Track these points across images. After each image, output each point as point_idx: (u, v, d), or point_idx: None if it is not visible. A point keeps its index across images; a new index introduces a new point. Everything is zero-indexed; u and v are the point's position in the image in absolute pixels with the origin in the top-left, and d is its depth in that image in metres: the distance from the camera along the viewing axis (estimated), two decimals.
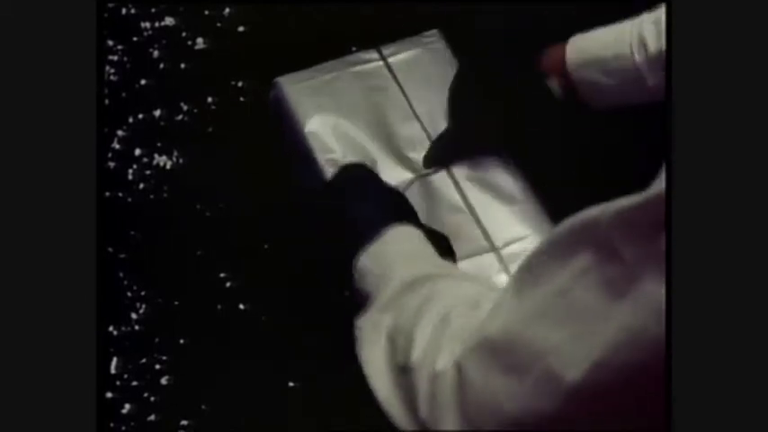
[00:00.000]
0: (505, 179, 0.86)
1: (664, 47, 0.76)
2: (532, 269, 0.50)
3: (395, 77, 0.92)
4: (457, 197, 0.85)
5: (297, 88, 0.91)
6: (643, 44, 0.77)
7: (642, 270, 0.42)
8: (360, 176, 0.81)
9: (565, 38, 0.83)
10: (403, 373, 0.59)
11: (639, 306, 0.42)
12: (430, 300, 0.62)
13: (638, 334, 0.42)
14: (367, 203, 0.76)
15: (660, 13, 0.78)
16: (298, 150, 0.90)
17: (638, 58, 0.77)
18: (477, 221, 0.83)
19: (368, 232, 0.72)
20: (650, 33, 0.77)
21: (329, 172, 0.85)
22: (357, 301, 0.71)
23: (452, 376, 0.53)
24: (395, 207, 0.76)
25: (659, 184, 0.42)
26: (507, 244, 0.82)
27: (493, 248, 0.82)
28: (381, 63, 0.93)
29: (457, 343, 0.54)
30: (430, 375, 0.55)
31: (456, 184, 0.86)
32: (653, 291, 0.41)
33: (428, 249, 0.73)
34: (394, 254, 0.70)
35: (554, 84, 0.82)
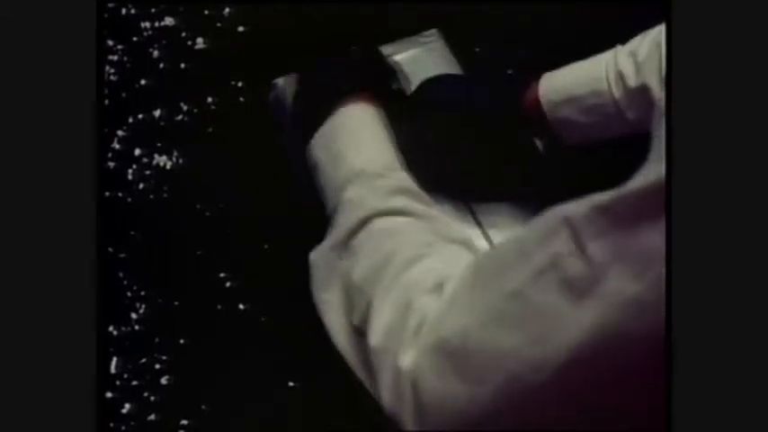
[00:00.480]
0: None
1: (644, 79, 0.73)
2: (492, 264, 0.49)
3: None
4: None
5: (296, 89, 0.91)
6: (621, 78, 0.75)
7: (608, 267, 0.41)
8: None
9: (564, 41, 0.82)
10: (360, 337, 0.57)
11: (607, 304, 0.41)
12: (389, 259, 0.58)
13: (609, 331, 0.41)
14: (323, 68, 0.71)
15: (635, 44, 0.76)
16: (297, 151, 0.89)
17: (616, 93, 0.75)
18: (478, 223, 0.83)
19: (318, 106, 0.67)
20: (627, 66, 0.74)
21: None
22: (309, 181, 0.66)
23: (412, 379, 0.51)
24: (350, 78, 0.70)
25: (634, 181, 0.41)
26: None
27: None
28: None
29: (417, 342, 0.52)
30: (393, 368, 0.53)
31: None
32: (620, 288, 0.41)
33: (382, 139, 0.67)
34: (345, 145, 0.65)
35: (537, 137, 0.80)
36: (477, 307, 0.48)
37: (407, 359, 0.52)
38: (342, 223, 0.62)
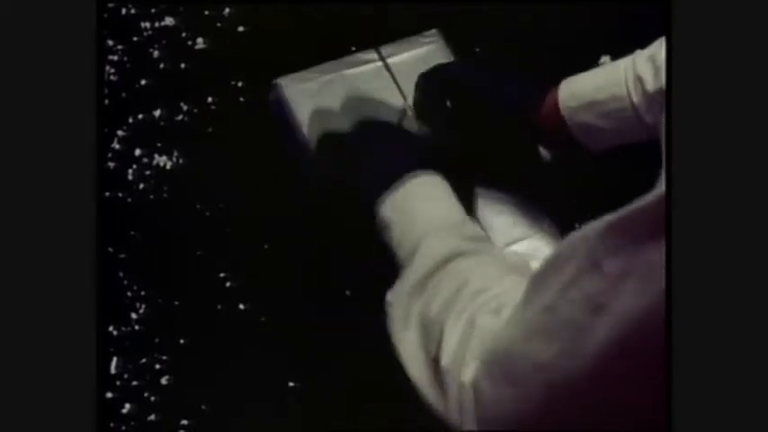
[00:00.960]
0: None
1: (662, 83, 0.73)
2: (534, 283, 0.52)
3: (394, 78, 0.92)
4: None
5: (296, 89, 0.91)
6: (640, 83, 0.75)
7: (623, 284, 0.43)
8: (369, 126, 0.80)
9: (564, 41, 0.82)
10: (435, 364, 0.62)
11: (616, 319, 0.43)
12: (460, 291, 0.63)
13: (617, 347, 0.44)
14: (382, 148, 0.76)
15: (654, 49, 0.76)
16: (297, 151, 0.90)
17: (635, 98, 0.75)
18: (479, 223, 0.84)
19: (386, 177, 0.72)
20: (646, 71, 0.74)
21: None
22: (382, 249, 0.72)
23: (472, 391, 0.56)
24: (414, 149, 0.75)
25: (644, 199, 0.42)
26: (508, 245, 0.82)
27: None
28: (380, 64, 0.93)
29: (477, 356, 0.57)
30: (457, 383, 0.58)
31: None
32: (632, 304, 0.42)
33: (452, 201, 0.72)
34: (419, 207, 0.70)
35: (546, 148, 0.81)
36: (523, 321, 0.52)
37: (468, 372, 0.57)
38: (419, 267, 0.67)
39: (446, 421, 0.61)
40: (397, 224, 0.71)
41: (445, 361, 0.60)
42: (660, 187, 0.42)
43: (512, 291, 0.60)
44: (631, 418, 0.48)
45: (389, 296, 0.69)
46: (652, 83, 0.74)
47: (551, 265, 0.50)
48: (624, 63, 0.77)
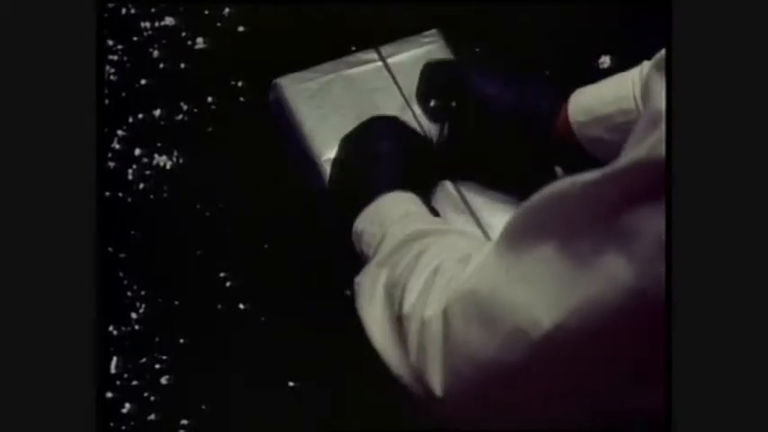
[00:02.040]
0: (510, 190, 0.86)
1: (653, 88, 0.73)
2: (515, 235, 0.52)
3: (394, 78, 0.92)
4: (457, 197, 0.85)
5: (296, 89, 0.91)
6: (645, 83, 0.74)
7: (604, 245, 0.44)
8: (363, 141, 0.82)
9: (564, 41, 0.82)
10: (398, 322, 0.62)
11: (596, 277, 0.44)
12: (423, 252, 0.64)
13: (595, 303, 0.44)
14: (369, 167, 0.78)
15: (660, 58, 0.75)
16: (297, 151, 0.90)
17: (643, 110, 0.74)
18: (478, 222, 0.83)
19: (366, 197, 0.75)
20: (656, 85, 0.74)
21: (328, 172, 0.85)
22: (360, 263, 0.73)
23: (439, 324, 0.56)
24: (393, 171, 0.77)
25: (618, 161, 0.43)
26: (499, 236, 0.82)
27: None
28: (380, 64, 0.93)
29: (445, 292, 0.57)
30: (419, 323, 0.58)
31: (456, 185, 0.86)
32: (613, 263, 0.43)
33: (422, 210, 0.75)
34: (389, 215, 0.73)
35: (558, 161, 0.81)
36: (505, 267, 0.52)
37: (434, 307, 0.57)
38: (384, 247, 0.69)
39: (408, 388, 0.60)
40: (367, 230, 0.73)
41: (406, 308, 0.61)
42: (633, 151, 0.42)
43: (474, 246, 0.62)
44: (601, 385, 0.48)
45: (357, 278, 0.70)
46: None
47: (534, 220, 0.50)
48: (632, 76, 0.77)
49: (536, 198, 0.50)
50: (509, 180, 0.85)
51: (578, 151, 0.79)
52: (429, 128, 0.88)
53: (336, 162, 0.83)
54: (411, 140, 0.82)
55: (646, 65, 0.76)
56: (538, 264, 0.49)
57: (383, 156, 0.79)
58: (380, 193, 0.75)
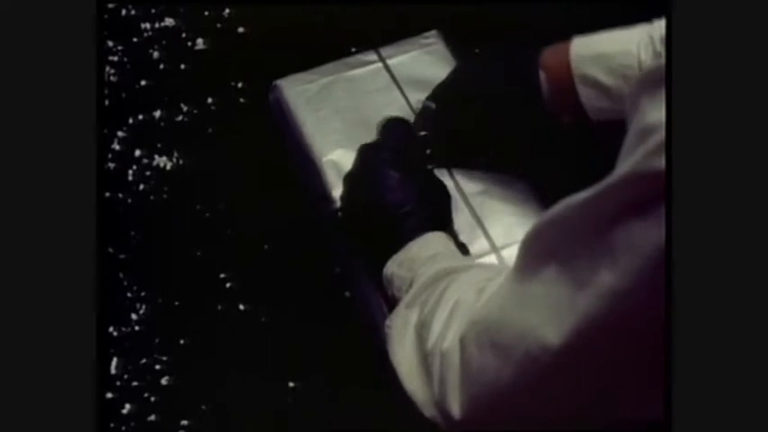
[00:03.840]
0: (506, 181, 0.86)
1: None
2: (521, 262, 0.53)
3: (394, 79, 0.92)
4: (458, 198, 0.85)
5: (296, 91, 0.91)
6: (651, 43, 0.75)
7: (600, 262, 0.44)
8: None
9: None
10: (425, 360, 0.63)
11: (594, 295, 0.45)
12: (447, 290, 0.66)
13: (595, 321, 0.45)
14: (393, 215, 0.77)
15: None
16: (297, 152, 0.90)
17: (643, 55, 0.76)
18: (479, 223, 0.83)
19: (396, 234, 0.75)
20: (658, 35, 0.75)
21: (329, 174, 0.85)
22: (390, 306, 0.74)
23: (456, 353, 0.58)
24: (420, 214, 0.77)
25: (608, 178, 0.43)
26: (508, 246, 0.82)
27: (494, 250, 0.82)
28: (380, 65, 0.93)
29: (461, 323, 0.58)
30: (440, 356, 0.60)
31: (457, 185, 0.86)
32: (608, 279, 0.43)
33: (449, 248, 0.76)
34: (418, 257, 0.74)
35: (565, 118, 0.81)
36: (515, 292, 0.53)
37: (452, 338, 0.59)
38: (414, 288, 0.70)
39: (433, 420, 0.61)
40: (397, 274, 0.74)
41: (430, 344, 0.62)
42: (622, 166, 0.43)
43: (493, 277, 0.62)
44: (612, 400, 0.49)
45: (388, 320, 0.71)
46: (660, 45, 0.75)
47: (535, 244, 0.52)
48: (640, 26, 0.77)
49: (536, 224, 0.51)
50: (506, 162, 0.86)
51: (572, 104, 0.79)
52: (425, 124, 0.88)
53: (353, 198, 0.81)
54: (431, 179, 0.82)
55: (656, 24, 0.77)
56: (541, 287, 0.49)
57: (407, 202, 0.78)
58: (409, 238, 0.75)
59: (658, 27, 0.76)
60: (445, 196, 0.81)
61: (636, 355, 0.45)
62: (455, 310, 0.62)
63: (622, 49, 0.77)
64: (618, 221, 0.43)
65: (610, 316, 0.44)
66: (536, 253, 0.51)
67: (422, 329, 0.65)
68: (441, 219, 0.79)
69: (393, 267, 0.74)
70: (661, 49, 0.75)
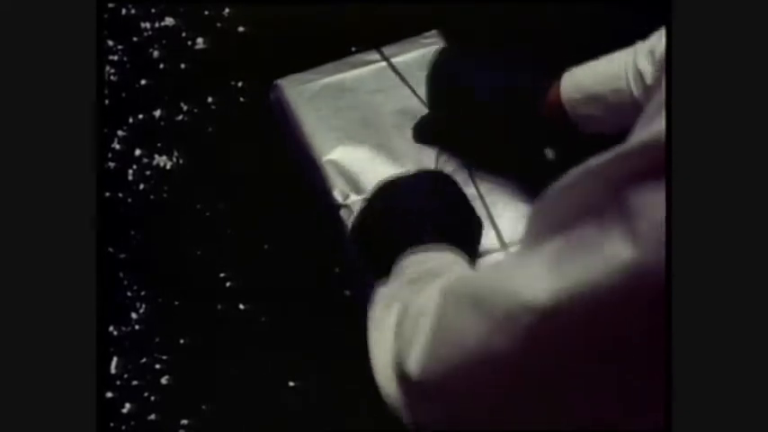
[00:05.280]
0: (518, 178, 0.86)
1: (662, 77, 0.74)
2: (527, 233, 0.50)
3: (401, 77, 0.92)
4: (473, 193, 0.85)
5: (297, 90, 0.91)
6: (640, 78, 0.75)
7: (611, 226, 0.42)
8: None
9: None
10: (395, 326, 0.60)
11: (598, 258, 0.42)
12: (437, 276, 0.63)
13: (592, 285, 0.42)
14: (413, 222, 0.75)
15: (654, 41, 0.76)
16: (298, 151, 0.90)
17: (636, 92, 0.75)
18: (491, 220, 0.84)
19: (416, 233, 0.73)
20: (646, 66, 0.75)
21: (329, 173, 0.85)
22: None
23: (432, 310, 0.54)
24: (440, 229, 0.75)
25: (627, 142, 0.42)
26: (512, 244, 0.82)
27: (504, 247, 0.82)
28: (381, 65, 0.93)
29: (444, 285, 0.55)
30: (414, 316, 0.56)
31: (473, 180, 0.85)
32: (617, 244, 0.41)
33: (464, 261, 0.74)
34: (433, 259, 0.71)
35: (549, 140, 0.82)
36: (514, 258, 0.50)
37: (429, 293, 0.56)
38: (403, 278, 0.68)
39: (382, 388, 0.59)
40: (409, 267, 0.71)
41: (408, 306, 0.59)
42: (642, 132, 0.42)
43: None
44: (600, 391, 0.45)
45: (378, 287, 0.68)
46: (651, 77, 0.75)
47: (546, 214, 0.49)
48: (625, 57, 0.77)
49: (546, 192, 0.48)
50: (505, 163, 0.86)
51: (568, 129, 0.80)
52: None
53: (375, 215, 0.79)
54: (456, 196, 0.81)
55: (639, 46, 0.77)
56: (544, 255, 0.46)
57: (429, 213, 0.77)
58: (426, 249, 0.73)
59: (642, 53, 0.76)
60: (479, 230, 0.80)
61: (635, 339, 0.42)
62: (437, 279, 0.59)
63: (612, 89, 0.77)
64: (633, 189, 0.41)
65: (610, 281, 0.41)
66: (543, 221, 0.48)
67: (404, 318, 0.61)
68: (461, 237, 0.77)
69: (408, 262, 0.71)
70: (650, 80, 0.75)
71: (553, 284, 0.44)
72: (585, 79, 0.79)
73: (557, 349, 0.45)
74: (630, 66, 0.77)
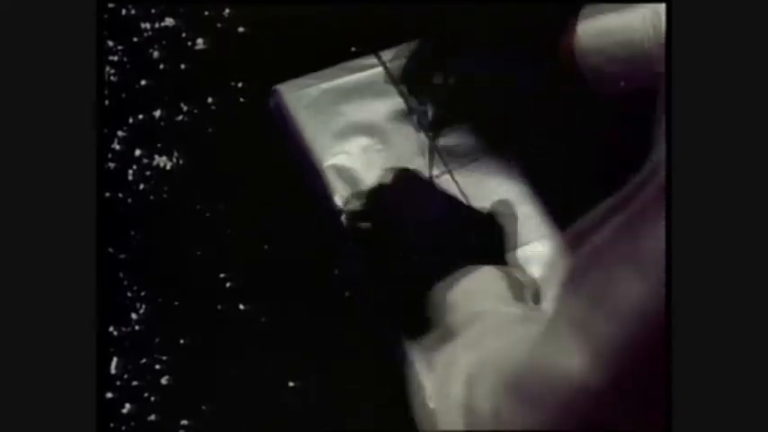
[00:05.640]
0: (508, 184, 0.86)
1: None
2: (555, 302, 0.50)
3: (393, 81, 0.92)
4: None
5: (296, 96, 0.91)
6: (656, 23, 0.75)
7: (619, 271, 0.42)
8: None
9: None
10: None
11: (610, 313, 0.42)
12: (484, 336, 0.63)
13: (609, 342, 0.43)
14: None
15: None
16: (299, 157, 0.90)
17: (647, 44, 0.75)
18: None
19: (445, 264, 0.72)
20: (662, 18, 0.75)
21: (330, 177, 0.85)
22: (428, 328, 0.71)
23: (486, 407, 0.54)
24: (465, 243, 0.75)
25: (626, 186, 0.42)
26: (515, 247, 0.82)
27: None
28: (381, 69, 0.93)
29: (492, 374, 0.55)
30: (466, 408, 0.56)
31: (459, 188, 0.86)
32: (628, 287, 0.41)
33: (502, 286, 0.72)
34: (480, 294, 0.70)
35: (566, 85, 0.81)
36: (543, 330, 0.50)
37: (478, 392, 0.56)
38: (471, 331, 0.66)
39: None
40: (455, 304, 0.70)
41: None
42: (643, 171, 0.42)
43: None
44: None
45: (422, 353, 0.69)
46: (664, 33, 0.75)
47: (567, 282, 0.48)
48: (643, 10, 0.77)
49: (565, 266, 0.48)
50: (501, 148, 0.86)
51: (577, 75, 0.79)
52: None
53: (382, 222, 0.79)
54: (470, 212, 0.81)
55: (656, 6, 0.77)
56: (566, 316, 0.46)
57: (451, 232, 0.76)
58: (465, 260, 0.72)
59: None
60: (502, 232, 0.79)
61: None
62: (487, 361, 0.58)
63: (628, 23, 0.77)
64: (639, 227, 0.41)
65: (630, 332, 0.42)
66: (563, 280, 0.47)
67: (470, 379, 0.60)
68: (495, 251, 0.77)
69: (452, 296, 0.70)
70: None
71: (582, 348, 0.44)
72: (604, 15, 0.79)
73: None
74: (649, 12, 0.76)
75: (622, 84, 0.78)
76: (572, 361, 0.45)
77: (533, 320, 0.57)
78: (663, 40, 0.75)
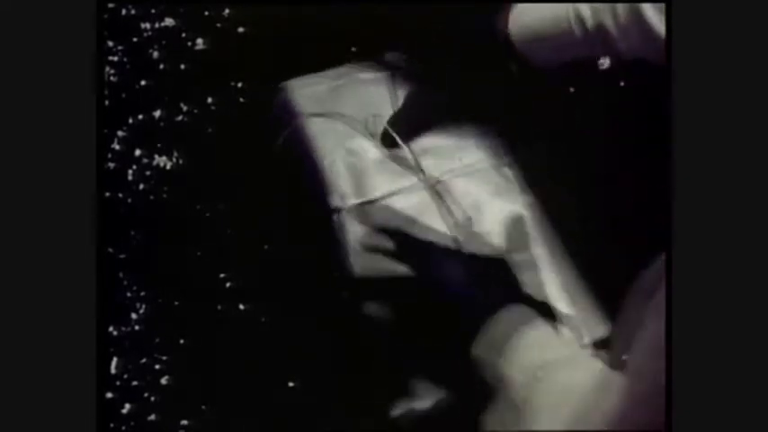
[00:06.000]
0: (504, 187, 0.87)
1: (601, 21, 0.76)
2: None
3: (393, 84, 0.92)
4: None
5: (303, 93, 0.91)
6: (581, 20, 0.77)
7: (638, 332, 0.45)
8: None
9: None
10: None
11: (637, 353, 0.46)
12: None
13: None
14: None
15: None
16: (302, 153, 0.90)
17: (577, 32, 0.78)
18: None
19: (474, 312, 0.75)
20: (586, 11, 0.77)
21: (333, 176, 0.85)
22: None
23: None
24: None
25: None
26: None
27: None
28: (384, 72, 0.93)
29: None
30: None
31: (452, 195, 0.86)
32: (651, 335, 0.44)
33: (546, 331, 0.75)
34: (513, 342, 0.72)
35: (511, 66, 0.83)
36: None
37: None
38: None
39: None
40: (494, 360, 0.73)
41: None
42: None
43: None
44: None
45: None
46: (590, 20, 0.77)
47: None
48: (566, 5, 0.80)
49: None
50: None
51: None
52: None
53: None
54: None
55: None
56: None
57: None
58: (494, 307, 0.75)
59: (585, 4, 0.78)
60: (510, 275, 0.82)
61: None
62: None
63: (556, 25, 0.79)
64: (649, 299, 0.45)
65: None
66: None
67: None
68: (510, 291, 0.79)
69: (480, 350, 0.74)
70: (590, 23, 0.77)
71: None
72: (532, 22, 0.81)
73: None
74: (572, 10, 0.78)
75: (554, 55, 0.81)
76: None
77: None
78: (589, 26, 0.77)
